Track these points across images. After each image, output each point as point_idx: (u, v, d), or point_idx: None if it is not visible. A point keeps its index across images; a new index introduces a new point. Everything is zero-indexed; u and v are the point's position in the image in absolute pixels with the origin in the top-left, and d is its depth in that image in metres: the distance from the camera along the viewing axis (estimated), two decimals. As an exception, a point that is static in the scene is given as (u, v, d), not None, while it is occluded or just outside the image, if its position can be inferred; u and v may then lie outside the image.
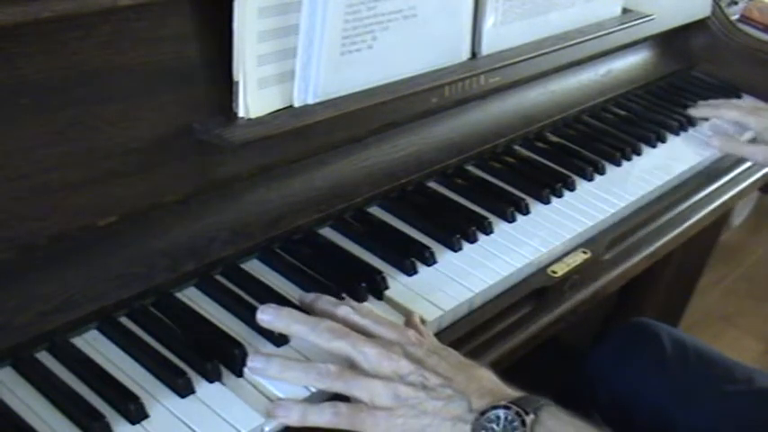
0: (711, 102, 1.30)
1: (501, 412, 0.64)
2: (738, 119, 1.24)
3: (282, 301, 0.79)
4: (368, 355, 0.68)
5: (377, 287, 0.83)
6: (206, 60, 0.79)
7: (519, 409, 0.64)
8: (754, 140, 1.26)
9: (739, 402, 1.03)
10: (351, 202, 0.93)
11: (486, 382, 0.68)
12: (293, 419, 0.67)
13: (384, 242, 0.89)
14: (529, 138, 1.18)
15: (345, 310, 0.73)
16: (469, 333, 0.83)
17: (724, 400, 1.03)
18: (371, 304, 0.81)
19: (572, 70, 1.27)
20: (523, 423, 0.63)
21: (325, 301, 0.76)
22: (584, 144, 1.18)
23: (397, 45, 0.92)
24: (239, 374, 0.71)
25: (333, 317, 0.73)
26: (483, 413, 0.64)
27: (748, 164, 1.28)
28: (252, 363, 0.70)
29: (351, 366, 0.69)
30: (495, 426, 0.63)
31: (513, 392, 0.68)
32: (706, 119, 1.30)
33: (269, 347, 0.74)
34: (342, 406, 0.67)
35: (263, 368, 0.70)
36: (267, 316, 0.72)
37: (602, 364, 1.12)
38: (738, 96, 1.43)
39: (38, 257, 0.71)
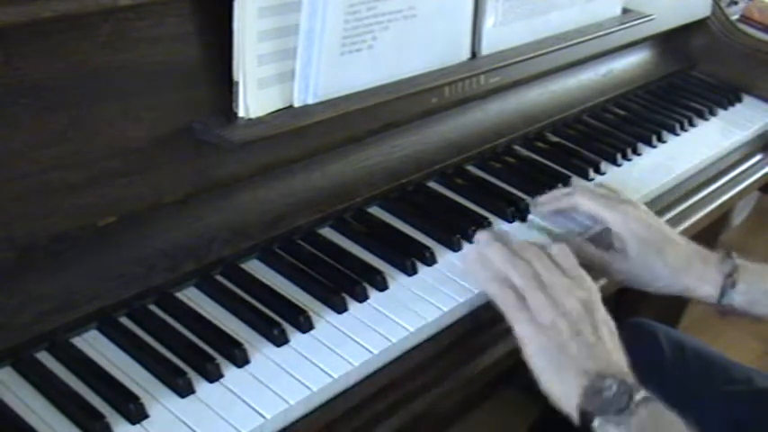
0: (561, 191, 0.99)
1: (616, 383, 0.71)
2: (597, 213, 0.93)
3: (283, 300, 0.79)
4: (555, 281, 0.78)
5: (377, 287, 0.83)
6: (206, 60, 0.79)
7: (631, 389, 0.71)
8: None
9: (738, 402, 1.03)
10: (351, 202, 0.93)
11: (619, 359, 0.75)
12: (482, 277, 0.81)
13: (384, 242, 0.89)
14: (529, 138, 1.18)
15: (556, 247, 0.82)
16: (469, 332, 0.83)
17: (723, 400, 1.03)
18: (370, 304, 0.81)
19: (572, 70, 1.27)
20: (630, 398, 0.70)
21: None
22: (583, 144, 1.18)
23: (397, 45, 0.92)
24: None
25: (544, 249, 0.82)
26: (603, 377, 0.72)
27: (748, 164, 1.28)
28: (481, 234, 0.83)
29: (539, 280, 0.78)
30: (606, 392, 0.71)
31: (632, 379, 0.74)
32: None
33: (269, 348, 0.74)
34: (513, 294, 0.77)
35: (486, 244, 0.82)
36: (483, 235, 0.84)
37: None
38: (738, 97, 1.43)
39: (38, 257, 0.71)
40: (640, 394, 0.71)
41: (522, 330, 0.76)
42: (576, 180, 1.09)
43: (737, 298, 0.89)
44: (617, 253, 0.91)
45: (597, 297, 0.80)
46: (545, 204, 0.98)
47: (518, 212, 0.99)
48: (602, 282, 0.95)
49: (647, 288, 0.91)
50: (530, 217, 0.97)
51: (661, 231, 0.91)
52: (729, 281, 0.88)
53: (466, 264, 0.85)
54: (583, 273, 0.81)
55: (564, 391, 0.73)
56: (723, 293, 0.89)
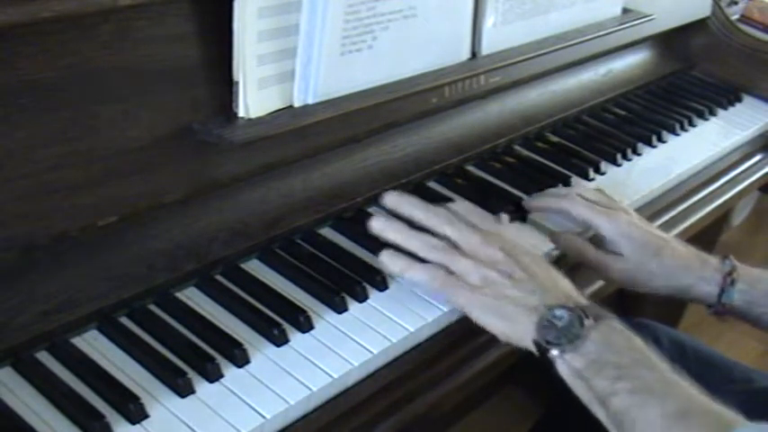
0: (551, 191, 0.99)
1: (566, 312, 0.72)
2: (589, 220, 0.92)
3: (283, 300, 0.79)
4: (470, 240, 0.78)
5: (377, 287, 0.83)
6: (206, 60, 0.79)
7: (582, 313, 0.72)
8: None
9: (738, 402, 1.03)
10: (351, 202, 0.93)
11: (562, 286, 0.77)
12: (397, 269, 0.79)
13: (384, 242, 0.89)
14: (529, 138, 1.17)
15: (459, 205, 0.84)
16: (469, 332, 0.83)
17: (723, 400, 1.03)
18: (370, 304, 0.81)
19: (572, 70, 1.27)
20: (582, 324, 0.71)
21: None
22: (583, 144, 1.18)
23: (397, 45, 0.92)
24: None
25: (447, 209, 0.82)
26: (551, 309, 0.73)
27: (748, 164, 1.28)
28: (376, 222, 0.81)
29: (454, 247, 0.79)
30: (557, 322, 0.72)
31: (583, 301, 0.76)
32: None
33: (269, 348, 0.74)
34: (438, 272, 0.78)
35: (384, 228, 0.81)
36: (392, 197, 0.84)
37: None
38: (738, 97, 1.43)
39: (38, 257, 0.71)
40: (591, 317, 0.72)
41: (460, 299, 0.77)
42: (575, 180, 1.09)
43: (737, 297, 0.89)
44: (615, 254, 0.90)
45: (511, 235, 0.82)
46: (537, 206, 0.97)
47: (518, 213, 0.99)
48: (601, 283, 0.95)
49: (645, 289, 0.91)
50: (530, 217, 0.98)
51: (655, 235, 0.91)
52: (729, 279, 0.88)
53: (383, 264, 0.81)
54: (490, 217, 0.84)
55: (519, 333, 0.74)
56: (723, 291, 0.88)
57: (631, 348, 0.71)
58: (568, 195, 0.95)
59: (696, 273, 0.89)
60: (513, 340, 0.75)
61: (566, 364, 0.72)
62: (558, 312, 0.73)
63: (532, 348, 0.73)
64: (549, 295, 0.75)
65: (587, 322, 0.72)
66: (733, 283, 0.88)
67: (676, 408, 0.67)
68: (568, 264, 0.93)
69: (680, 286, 0.90)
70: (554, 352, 0.72)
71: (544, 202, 0.97)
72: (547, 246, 0.93)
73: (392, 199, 0.84)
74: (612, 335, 0.72)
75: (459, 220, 0.81)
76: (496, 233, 0.81)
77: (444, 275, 0.78)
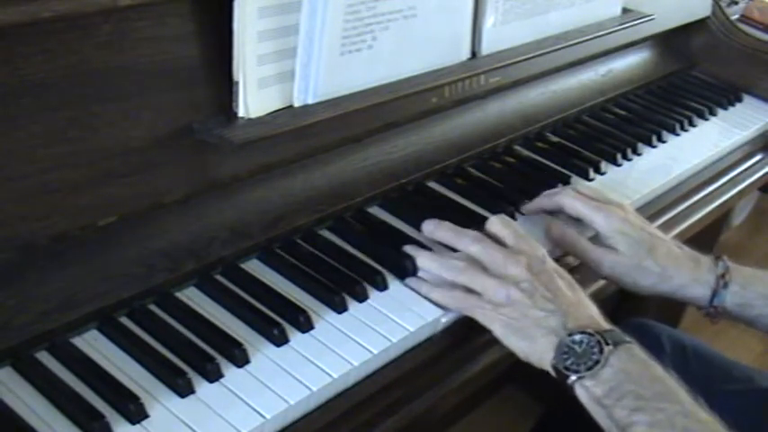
0: (547, 192, 0.97)
1: (585, 337, 0.72)
2: (583, 215, 0.91)
3: (283, 300, 0.79)
4: (493, 258, 0.79)
5: (377, 287, 0.83)
6: (206, 60, 0.79)
7: (601, 339, 0.71)
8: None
9: (739, 402, 1.03)
10: (351, 202, 0.93)
11: (585, 309, 0.76)
12: (423, 291, 0.81)
13: (384, 242, 0.89)
14: (529, 138, 1.17)
15: (495, 220, 0.84)
16: (470, 332, 0.83)
17: (723, 400, 1.03)
18: (370, 304, 0.81)
19: (572, 70, 1.27)
20: (601, 351, 0.71)
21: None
22: (583, 144, 1.18)
23: (397, 45, 0.92)
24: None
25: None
26: (571, 334, 0.73)
27: (748, 163, 1.28)
28: (409, 250, 0.85)
29: (478, 266, 0.80)
30: (577, 347, 0.72)
31: (605, 325, 0.75)
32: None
33: (269, 348, 0.74)
34: (458, 291, 0.79)
35: (434, 230, 0.86)
36: (429, 226, 0.88)
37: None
38: (738, 97, 1.43)
39: (38, 257, 0.71)
40: (611, 343, 0.71)
41: (484, 318, 0.78)
42: (575, 180, 1.09)
43: (729, 299, 0.88)
44: (608, 248, 0.90)
45: (539, 252, 0.81)
46: (532, 208, 0.97)
47: (518, 212, 0.99)
48: (601, 283, 0.95)
49: (637, 288, 0.90)
50: (521, 218, 0.97)
51: (650, 232, 0.91)
52: (722, 281, 0.88)
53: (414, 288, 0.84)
54: (521, 233, 0.83)
55: (539, 355, 0.74)
56: (715, 294, 0.88)
57: (653, 378, 0.71)
58: (563, 191, 0.94)
59: (689, 273, 0.89)
60: (532, 361, 0.75)
61: (584, 390, 0.71)
62: (578, 337, 0.72)
63: (551, 372, 0.73)
64: (570, 318, 0.74)
65: (607, 348, 0.71)
66: (726, 285, 0.88)
67: None
68: (569, 264, 0.93)
69: (672, 286, 0.89)
70: (572, 378, 0.71)
71: (539, 202, 0.96)
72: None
73: (428, 226, 0.88)
74: (632, 362, 0.71)
75: (485, 238, 0.82)
76: (524, 249, 0.80)
77: (464, 296, 0.79)
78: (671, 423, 0.67)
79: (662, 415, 0.68)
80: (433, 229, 0.88)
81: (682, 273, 0.88)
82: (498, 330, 0.77)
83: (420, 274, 0.84)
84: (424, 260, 0.84)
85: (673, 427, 0.67)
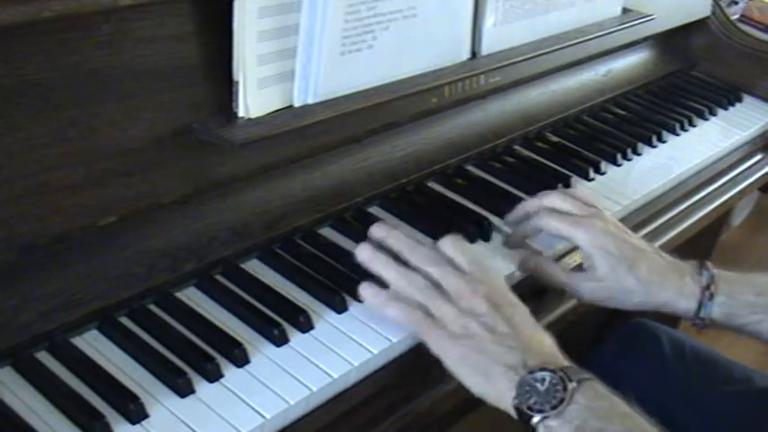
0: (520, 208, 0.93)
1: (548, 375, 0.68)
2: (564, 234, 0.87)
3: (283, 300, 0.79)
4: (454, 286, 0.75)
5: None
6: (206, 60, 0.79)
7: (564, 376, 0.68)
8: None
9: (738, 403, 1.03)
10: (351, 202, 0.93)
11: (546, 346, 0.73)
12: (378, 301, 0.76)
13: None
14: (529, 138, 1.18)
15: (447, 243, 0.79)
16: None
17: (723, 400, 1.03)
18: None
19: (572, 70, 1.27)
20: (565, 388, 0.68)
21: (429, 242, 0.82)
22: (583, 144, 1.18)
23: (398, 45, 0.92)
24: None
25: (436, 248, 0.79)
26: (532, 372, 0.69)
27: (748, 164, 1.28)
28: (363, 252, 0.79)
29: (437, 289, 0.75)
30: (539, 385, 0.68)
31: (564, 362, 0.72)
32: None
33: (269, 348, 0.74)
34: (419, 313, 0.74)
35: (371, 259, 0.79)
36: (365, 252, 0.80)
37: (601, 364, 1.11)
38: (738, 97, 1.43)
39: (38, 257, 0.71)
40: (574, 380, 0.68)
41: (437, 345, 0.73)
42: (575, 180, 1.09)
43: (716, 310, 0.85)
44: (585, 272, 0.86)
45: (498, 282, 0.77)
46: (512, 226, 0.94)
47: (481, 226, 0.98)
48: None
49: (622, 306, 0.87)
50: (494, 234, 0.94)
51: (631, 245, 0.87)
52: (707, 293, 0.85)
53: (362, 296, 0.79)
54: (479, 262, 0.78)
55: (497, 393, 0.70)
56: (701, 306, 0.85)
57: (620, 415, 0.68)
58: (539, 212, 0.89)
59: (673, 288, 0.85)
60: (489, 399, 0.71)
61: (548, 431, 0.67)
62: (540, 375, 0.68)
63: (512, 413, 0.69)
64: (531, 354, 0.71)
65: (570, 385, 0.67)
66: (712, 297, 0.85)
67: None
68: (536, 286, 0.90)
69: (657, 302, 0.86)
70: (536, 418, 0.67)
71: (520, 227, 0.93)
72: (509, 268, 0.89)
73: (379, 232, 0.81)
74: (597, 399, 0.68)
75: (444, 261, 0.77)
76: (483, 278, 0.76)
77: (422, 318, 0.74)
78: None
79: None
80: (383, 234, 0.81)
81: (665, 288, 0.85)
82: (449, 361, 0.72)
83: (367, 284, 0.78)
84: (383, 270, 0.78)
85: None
